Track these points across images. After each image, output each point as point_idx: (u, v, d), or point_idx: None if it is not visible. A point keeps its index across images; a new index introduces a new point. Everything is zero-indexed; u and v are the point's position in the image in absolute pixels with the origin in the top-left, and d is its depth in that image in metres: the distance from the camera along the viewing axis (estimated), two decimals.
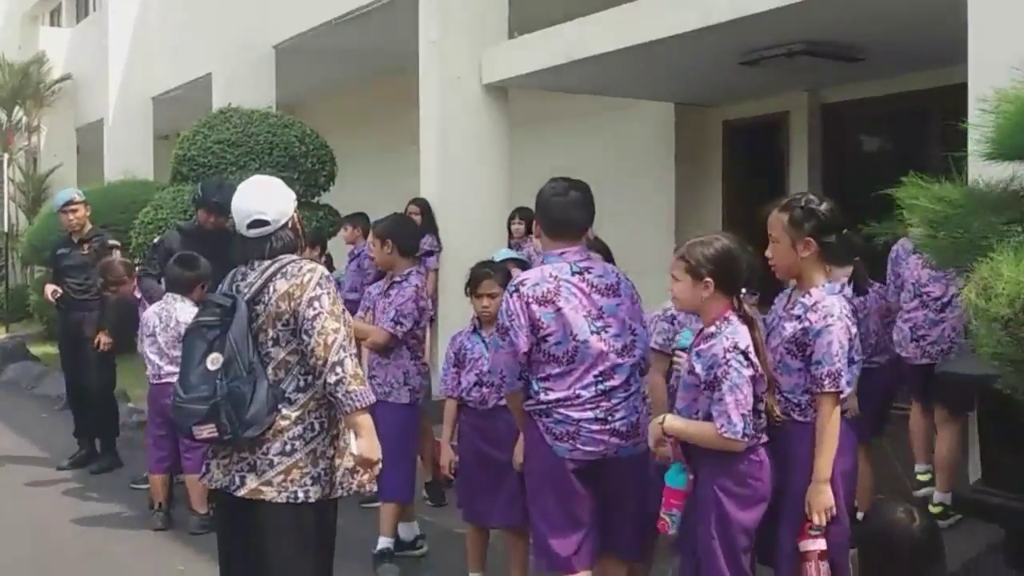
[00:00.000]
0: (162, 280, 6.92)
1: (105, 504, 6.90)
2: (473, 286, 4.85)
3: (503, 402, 4.67)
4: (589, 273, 3.95)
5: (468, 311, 6.56)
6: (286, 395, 3.56)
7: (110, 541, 6.16)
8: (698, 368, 3.63)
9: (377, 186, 12.47)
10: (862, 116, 9.43)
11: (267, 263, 3.63)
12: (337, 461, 3.65)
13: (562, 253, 3.98)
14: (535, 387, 3.93)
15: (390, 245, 5.52)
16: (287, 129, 10.40)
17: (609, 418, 3.90)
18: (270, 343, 3.56)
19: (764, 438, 3.61)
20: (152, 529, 6.25)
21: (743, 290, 3.88)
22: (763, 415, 3.61)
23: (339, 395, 3.48)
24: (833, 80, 9.00)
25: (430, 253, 8.58)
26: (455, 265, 7.89)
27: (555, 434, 3.90)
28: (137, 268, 7.56)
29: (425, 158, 9.21)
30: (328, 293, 3.57)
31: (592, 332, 3.89)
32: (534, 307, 3.85)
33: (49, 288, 8.08)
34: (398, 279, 5.51)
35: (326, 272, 3.65)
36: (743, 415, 3.49)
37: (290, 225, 3.72)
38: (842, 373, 3.58)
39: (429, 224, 8.69)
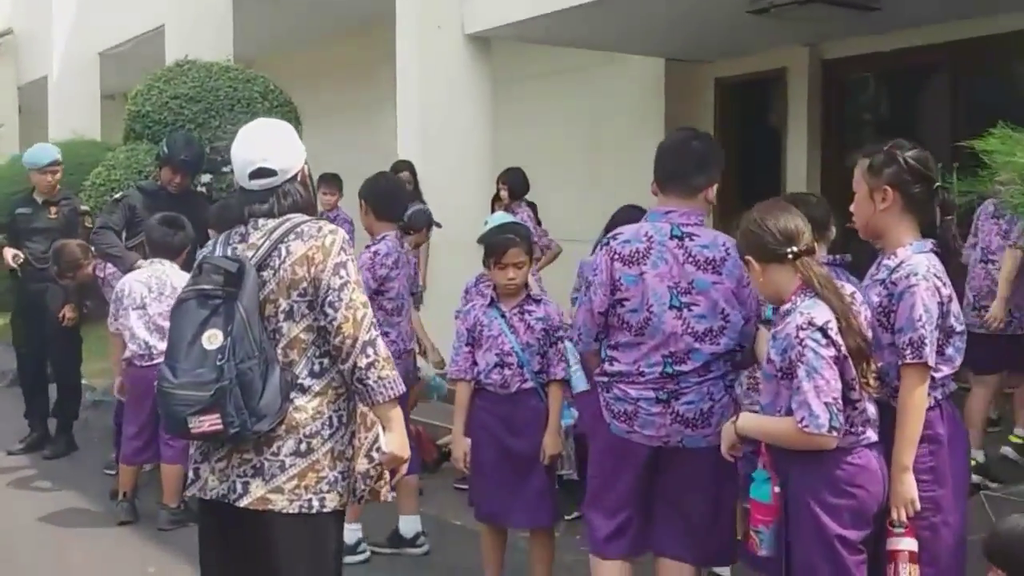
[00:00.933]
0: (123, 238, 6.31)
1: (62, 493, 6.25)
2: (496, 255, 4.27)
3: (528, 384, 4.23)
4: (691, 240, 3.49)
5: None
6: (299, 381, 2.97)
7: (68, 536, 5.54)
8: (773, 354, 3.08)
9: (349, 146, 11.68)
10: (866, 73, 8.93)
11: (275, 222, 3.02)
12: (353, 464, 3.08)
13: (668, 212, 3.55)
14: (604, 354, 3.60)
15: (364, 206, 5.12)
16: (249, 84, 9.64)
17: (673, 400, 3.43)
18: (281, 316, 2.96)
19: (871, 436, 3.05)
20: (116, 523, 5.60)
21: (821, 254, 3.35)
22: (864, 405, 3.05)
23: (370, 382, 2.91)
24: (836, 34, 8.50)
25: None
26: (439, 230, 7.30)
27: (614, 412, 3.53)
28: (92, 235, 6.80)
29: (403, 115, 8.59)
30: (353, 260, 3.00)
31: (671, 307, 3.44)
32: (617, 265, 3.48)
33: (9, 252, 7.15)
34: (368, 244, 5.03)
35: (344, 234, 3.06)
36: (827, 404, 2.92)
37: (299, 179, 3.12)
38: (925, 341, 3.05)
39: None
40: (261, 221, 3.04)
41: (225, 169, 7.91)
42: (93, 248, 6.52)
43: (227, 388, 2.81)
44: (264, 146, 3.09)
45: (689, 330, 3.45)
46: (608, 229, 4.69)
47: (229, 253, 3.00)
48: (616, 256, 3.50)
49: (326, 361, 2.98)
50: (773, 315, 3.27)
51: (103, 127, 15.24)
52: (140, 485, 5.86)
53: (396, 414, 3.00)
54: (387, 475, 3.15)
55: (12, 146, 15.64)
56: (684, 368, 3.45)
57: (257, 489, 2.92)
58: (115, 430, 6.21)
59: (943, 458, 3.16)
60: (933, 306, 3.12)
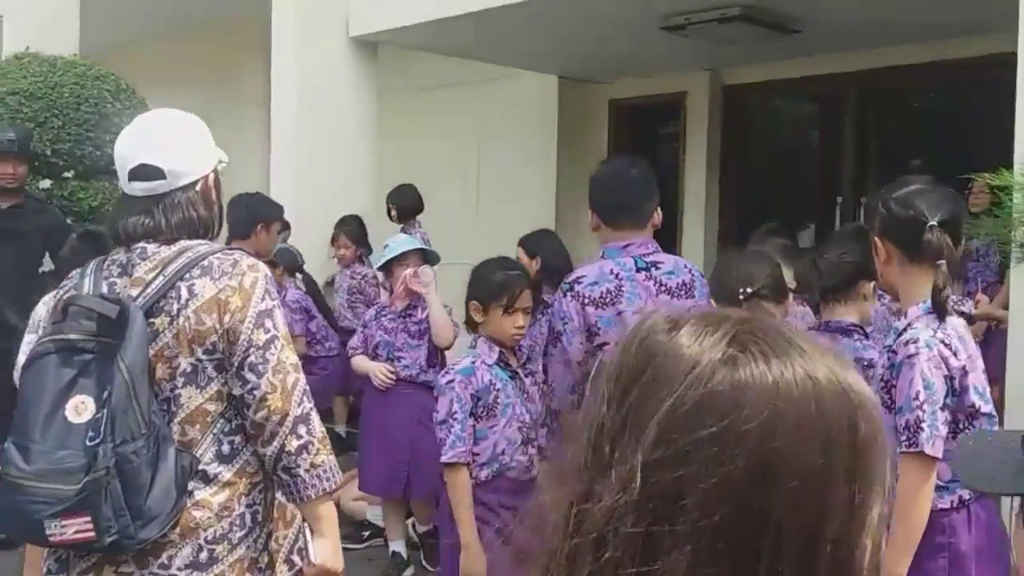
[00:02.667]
0: None
1: None
2: (508, 298, 3.46)
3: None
4: (657, 269, 3.38)
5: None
6: (201, 468, 2.20)
7: None
8: None
9: None
10: (769, 99, 8.57)
11: (171, 250, 2.24)
12: (268, 574, 2.32)
13: (626, 246, 3.38)
14: None
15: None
16: (98, 82, 8.66)
17: None
18: (180, 380, 2.20)
19: None
20: None
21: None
22: None
23: (300, 471, 2.20)
24: (740, 59, 8.11)
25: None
26: (318, 251, 6.53)
27: None
28: None
29: (278, 122, 7.74)
30: (279, 307, 2.26)
31: None
32: (590, 310, 3.31)
33: None
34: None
35: (267, 271, 2.31)
36: None
37: (200, 189, 2.33)
38: (922, 425, 2.54)
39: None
40: (152, 247, 2.24)
41: (67, 174, 6.99)
42: None
43: (101, 480, 2.02)
44: (152, 138, 2.33)
45: None
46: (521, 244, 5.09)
47: (105, 290, 2.21)
48: (587, 300, 3.32)
49: (238, 440, 2.23)
50: None
51: None
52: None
53: (329, 512, 2.30)
54: None
55: None
56: None
57: None
58: None
59: (958, 570, 2.63)
60: (936, 381, 2.59)
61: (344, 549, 5.76)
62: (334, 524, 2.32)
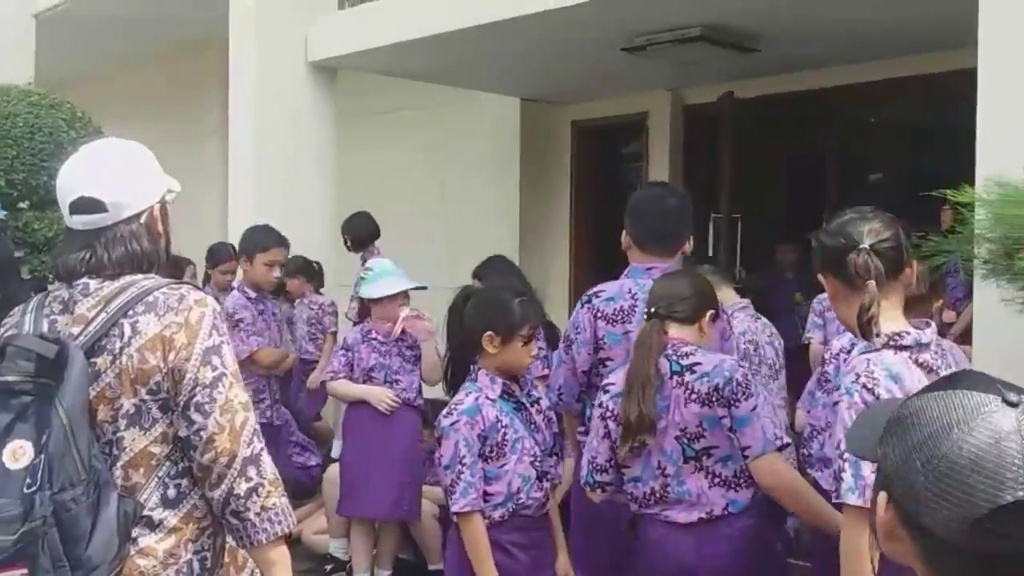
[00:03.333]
0: None
1: None
2: (529, 328, 3.26)
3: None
4: None
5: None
6: (146, 513, 2.10)
7: None
8: None
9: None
10: (731, 119, 8.54)
11: (113, 286, 2.14)
12: None
13: (649, 268, 3.45)
14: (588, 412, 3.42)
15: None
16: (53, 111, 8.50)
17: None
18: (123, 423, 2.10)
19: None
20: None
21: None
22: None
23: (249, 514, 2.09)
24: (701, 79, 8.11)
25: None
26: None
27: None
28: None
29: (236, 150, 7.64)
30: (228, 343, 2.16)
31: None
32: (601, 324, 3.41)
33: None
34: None
35: (216, 305, 2.21)
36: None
37: (144, 221, 2.23)
38: (842, 475, 2.40)
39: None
40: (94, 283, 2.15)
41: (22, 205, 6.86)
42: None
43: (38, 530, 1.91)
44: (94, 169, 2.22)
45: None
46: (476, 276, 5.02)
47: (46, 328, 2.11)
48: (599, 314, 3.42)
49: (185, 483, 2.13)
50: None
51: None
52: None
53: (281, 557, 2.17)
54: None
55: None
56: None
57: None
58: None
59: None
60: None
61: None
62: (286, 569, 2.20)
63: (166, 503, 2.12)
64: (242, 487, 2.09)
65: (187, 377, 2.08)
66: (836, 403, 2.55)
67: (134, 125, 11.59)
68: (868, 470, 2.40)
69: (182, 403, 2.09)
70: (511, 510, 3.17)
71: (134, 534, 2.08)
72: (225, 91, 7.77)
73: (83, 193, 2.18)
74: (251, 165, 7.50)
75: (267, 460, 2.15)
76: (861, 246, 2.58)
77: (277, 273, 5.47)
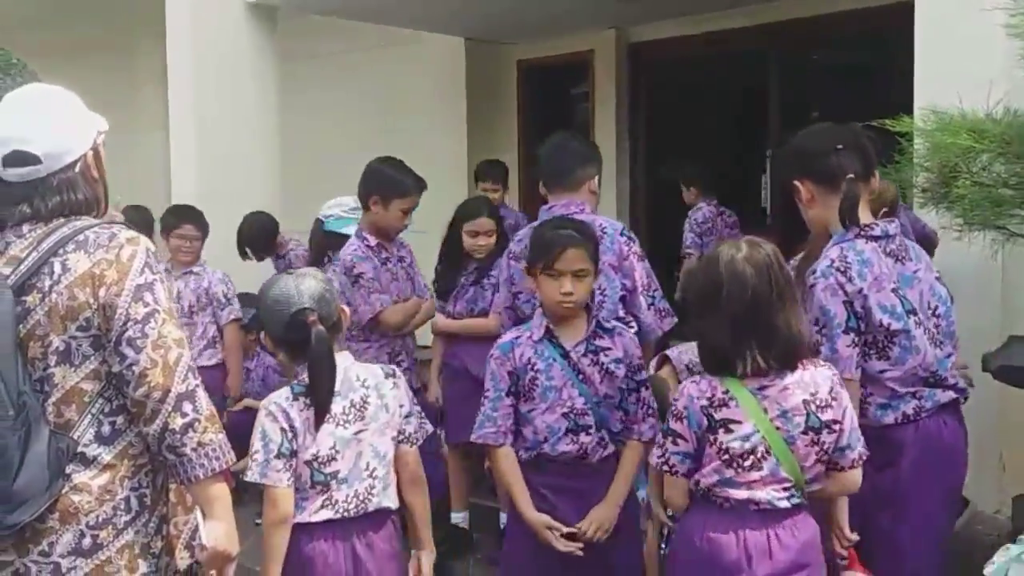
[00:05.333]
0: None
1: None
2: (555, 257, 3.07)
3: (609, 451, 3.16)
4: None
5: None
6: (80, 450, 2.13)
7: None
8: None
9: (109, 131, 10.23)
10: (676, 57, 8.55)
11: (45, 227, 2.17)
12: (165, 559, 2.26)
13: (551, 207, 3.70)
14: None
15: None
16: None
17: None
18: (53, 359, 2.13)
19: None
20: None
21: None
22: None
23: (186, 450, 2.12)
24: (645, 16, 8.08)
25: None
26: (231, 232, 6.34)
27: None
28: None
29: (175, 96, 7.50)
30: (163, 280, 2.19)
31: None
32: (512, 263, 3.78)
33: None
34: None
35: (150, 245, 2.23)
36: None
37: (79, 169, 2.25)
38: (820, 348, 2.77)
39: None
40: (27, 227, 2.17)
41: None
42: None
43: None
44: (24, 120, 2.24)
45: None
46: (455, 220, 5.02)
47: None
48: (512, 255, 3.81)
49: (120, 420, 2.17)
50: None
51: None
52: None
53: (221, 493, 2.21)
54: (213, 573, 2.32)
55: None
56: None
57: None
58: None
59: (904, 485, 2.79)
60: (834, 307, 2.76)
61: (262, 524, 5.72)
62: (227, 505, 2.24)
63: (100, 440, 2.16)
64: (177, 422, 2.11)
65: (118, 313, 2.11)
66: (812, 286, 2.79)
67: (70, 72, 11.36)
68: (845, 344, 2.74)
69: (114, 339, 2.11)
70: (536, 455, 3.11)
71: (68, 470, 2.11)
72: (163, 36, 7.60)
73: (15, 147, 2.20)
74: (191, 111, 7.36)
75: (203, 396, 2.17)
76: (838, 147, 2.88)
77: (408, 220, 4.71)
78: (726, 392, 2.54)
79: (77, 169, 2.26)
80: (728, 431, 2.53)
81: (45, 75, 8.67)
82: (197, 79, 7.34)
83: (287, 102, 7.82)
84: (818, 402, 2.54)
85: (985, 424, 4.65)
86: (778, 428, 2.52)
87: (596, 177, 3.77)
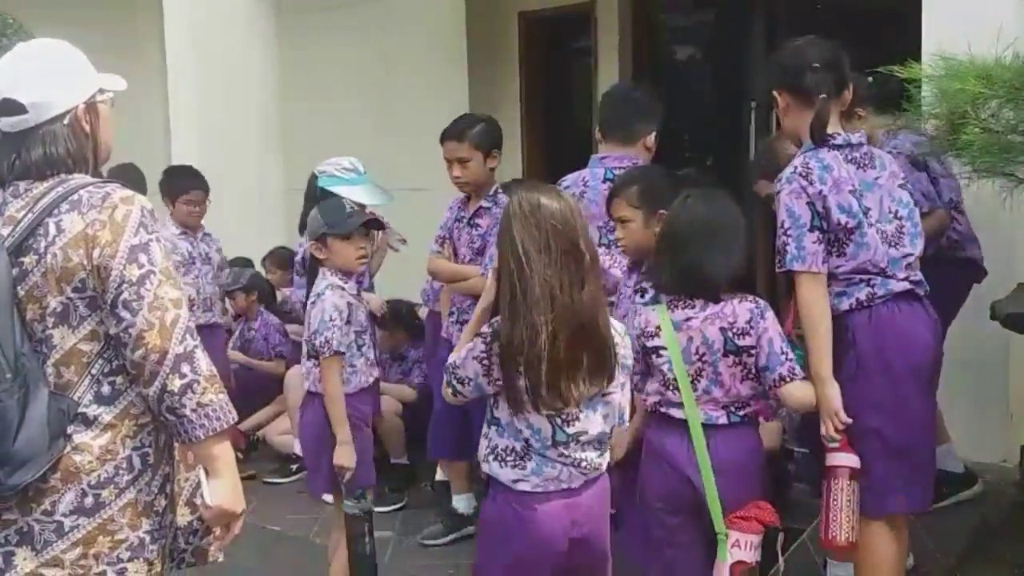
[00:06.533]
0: None
1: None
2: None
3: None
4: None
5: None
6: (81, 411, 2.13)
7: None
8: None
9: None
10: (677, 7, 8.45)
11: (40, 186, 2.15)
12: (168, 517, 2.26)
13: (603, 158, 3.80)
14: None
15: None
16: None
17: None
18: (51, 321, 2.13)
19: None
20: None
21: None
22: None
23: (186, 411, 2.11)
24: None
25: None
26: (231, 188, 6.31)
27: None
28: None
29: (173, 53, 7.45)
30: (158, 239, 2.16)
31: (600, 244, 3.47)
32: None
33: None
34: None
35: (147, 204, 2.20)
36: None
37: (68, 122, 2.22)
38: (786, 248, 3.06)
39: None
40: (24, 185, 2.16)
41: None
42: None
43: None
44: (15, 70, 2.21)
45: (616, 264, 3.56)
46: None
47: None
48: None
49: (120, 380, 2.16)
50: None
51: None
52: None
53: (223, 452, 2.19)
54: (217, 530, 2.33)
55: None
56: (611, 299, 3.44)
57: (25, 563, 2.11)
58: None
59: (866, 368, 3.02)
60: (798, 208, 3.00)
61: (272, 483, 5.77)
62: (229, 464, 2.23)
63: (100, 400, 2.15)
64: (176, 384, 2.09)
65: (113, 274, 2.09)
66: (779, 192, 3.08)
67: (66, 31, 11.26)
68: (811, 241, 2.99)
69: (110, 300, 2.10)
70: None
71: (69, 431, 2.11)
72: None
73: (6, 95, 2.17)
74: (190, 67, 7.32)
75: (201, 357, 2.14)
76: (815, 65, 3.09)
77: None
78: (657, 325, 2.99)
79: (66, 122, 2.22)
80: (659, 356, 2.99)
81: (41, 33, 8.59)
82: (194, 35, 7.28)
83: (285, 57, 7.74)
84: (735, 330, 2.92)
85: (992, 373, 4.64)
86: (703, 353, 2.94)
87: (654, 133, 3.86)
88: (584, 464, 2.57)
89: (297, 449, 5.82)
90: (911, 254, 3.12)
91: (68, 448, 2.13)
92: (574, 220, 2.50)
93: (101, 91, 2.31)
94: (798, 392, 2.95)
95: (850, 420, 3.00)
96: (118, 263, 2.10)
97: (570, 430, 2.53)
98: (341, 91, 8.84)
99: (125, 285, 2.10)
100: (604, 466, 2.66)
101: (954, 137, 3.36)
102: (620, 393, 2.63)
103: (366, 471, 3.74)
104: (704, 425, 2.92)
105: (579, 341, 2.45)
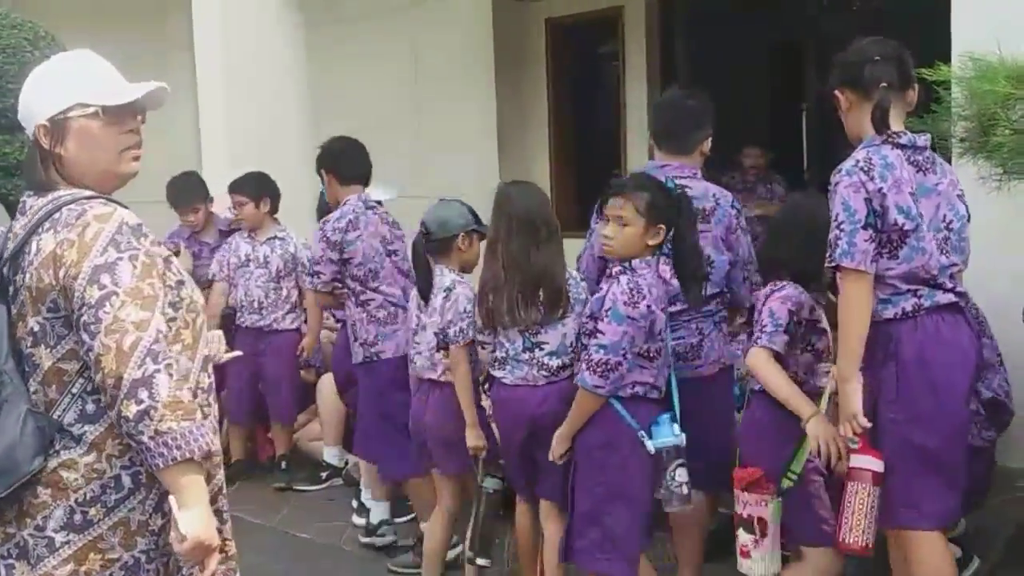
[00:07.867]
0: None
1: None
2: (604, 201, 3.54)
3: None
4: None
5: None
6: (67, 428, 2.12)
7: None
8: None
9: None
10: (707, 12, 8.42)
11: (40, 201, 2.18)
12: (166, 537, 2.20)
13: (663, 166, 3.76)
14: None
15: (326, 177, 4.97)
16: (15, 31, 8.31)
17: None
18: (30, 341, 2.13)
19: None
20: None
21: None
22: None
23: (143, 438, 2.03)
24: None
25: None
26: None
27: None
28: None
29: (203, 63, 7.48)
30: (131, 257, 2.09)
31: (663, 255, 3.43)
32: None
33: None
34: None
35: (131, 220, 2.15)
36: None
37: (33, 139, 2.22)
38: (838, 241, 2.96)
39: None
40: (30, 200, 2.23)
41: None
42: None
43: None
44: (25, 86, 2.24)
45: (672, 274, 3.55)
46: None
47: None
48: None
49: (103, 399, 2.10)
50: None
51: None
52: None
53: (191, 482, 2.07)
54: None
55: None
56: (674, 309, 3.55)
57: None
58: None
59: (908, 380, 2.94)
60: (856, 203, 2.92)
61: (303, 491, 5.77)
62: (197, 493, 2.09)
63: (85, 418, 2.14)
64: (131, 410, 2.01)
65: (75, 296, 2.06)
66: (836, 184, 2.98)
67: (96, 42, 11.34)
68: (863, 239, 2.89)
69: (75, 322, 2.07)
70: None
71: (58, 447, 2.11)
72: (190, 3, 7.58)
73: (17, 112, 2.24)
74: (220, 77, 7.35)
75: (163, 382, 2.03)
76: (876, 58, 3.05)
77: None
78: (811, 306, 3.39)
79: (31, 140, 2.22)
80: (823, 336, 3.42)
81: (72, 45, 8.67)
82: (224, 45, 7.31)
83: (315, 67, 7.77)
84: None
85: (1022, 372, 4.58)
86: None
87: (709, 139, 3.85)
88: (545, 368, 3.58)
89: (327, 456, 5.84)
90: (956, 264, 3.06)
91: (56, 464, 2.11)
92: (534, 206, 3.60)
93: (83, 105, 2.18)
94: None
95: (869, 424, 2.95)
96: (79, 284, 2.05)
97: (535, 340, 3.58)
98: (368, 100, 8.87)
99: (85, 307, 2.04)
100: (565, 373, 3.58)
101: (984, 139, 3.32)
102: (572, 319, 3.56)
103: (493, 451, 3.95)
104: None
105: (532, 285, 3.52)
